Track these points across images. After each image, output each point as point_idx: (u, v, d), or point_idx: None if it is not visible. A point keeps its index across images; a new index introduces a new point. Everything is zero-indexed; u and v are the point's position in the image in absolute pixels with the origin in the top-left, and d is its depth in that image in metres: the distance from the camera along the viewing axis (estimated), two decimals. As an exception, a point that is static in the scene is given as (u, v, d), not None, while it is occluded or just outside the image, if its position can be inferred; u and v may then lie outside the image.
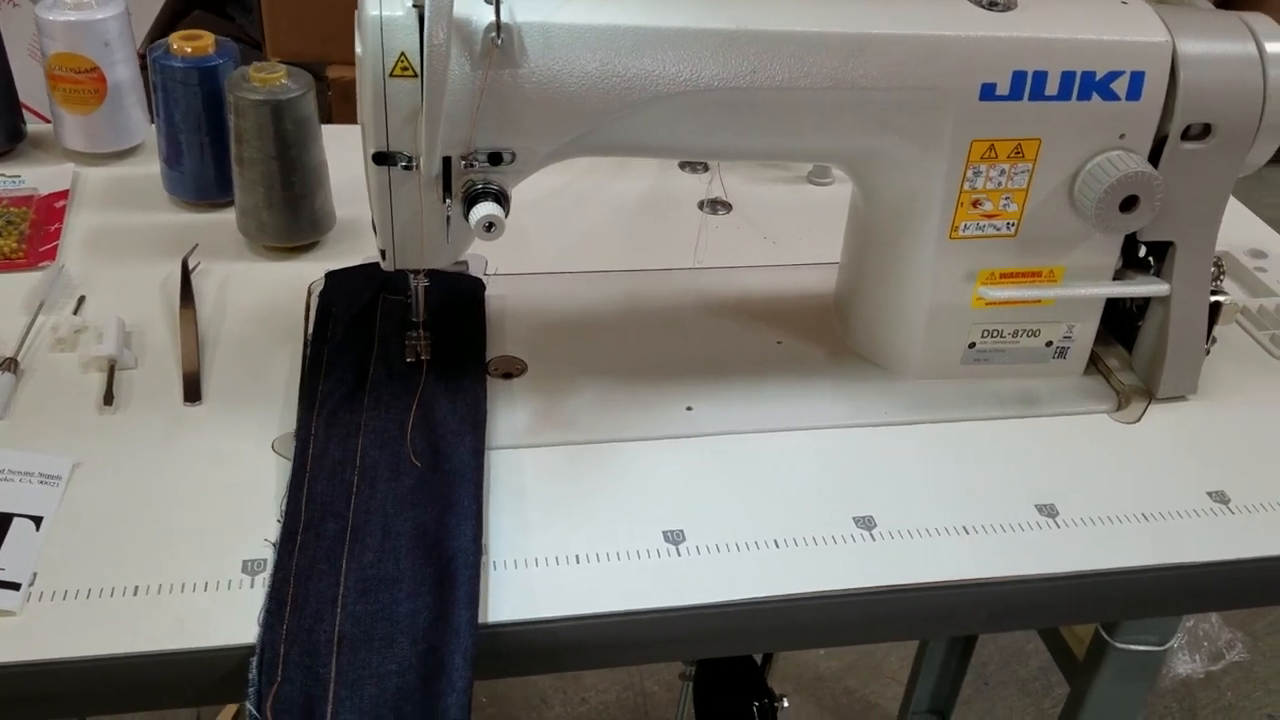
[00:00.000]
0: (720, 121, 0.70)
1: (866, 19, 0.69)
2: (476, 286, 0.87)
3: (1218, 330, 0.90)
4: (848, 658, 1.79)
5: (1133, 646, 1.00)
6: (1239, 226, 1.04)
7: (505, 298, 0.88)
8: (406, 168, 0.67)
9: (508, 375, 0.80)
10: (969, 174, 0.74)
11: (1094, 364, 0.85)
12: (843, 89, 0.69)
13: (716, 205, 1.04)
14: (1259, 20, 0.75)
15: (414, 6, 0.64)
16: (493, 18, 0.64)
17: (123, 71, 0.99)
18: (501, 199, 0.69)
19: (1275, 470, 0.77)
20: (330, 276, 0.86)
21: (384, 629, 0.61)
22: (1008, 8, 0.72)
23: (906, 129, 0.72)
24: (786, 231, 1.00)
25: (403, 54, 0.65)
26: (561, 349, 0.83)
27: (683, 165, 1.10)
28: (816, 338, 0.87)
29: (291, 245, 0.91)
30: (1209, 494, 0.74)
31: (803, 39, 0.68)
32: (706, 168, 1.10)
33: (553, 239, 0.98)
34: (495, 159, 0.69)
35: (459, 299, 0.85)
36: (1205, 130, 0.74)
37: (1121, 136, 0.73)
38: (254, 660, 0.59)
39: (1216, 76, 0.73)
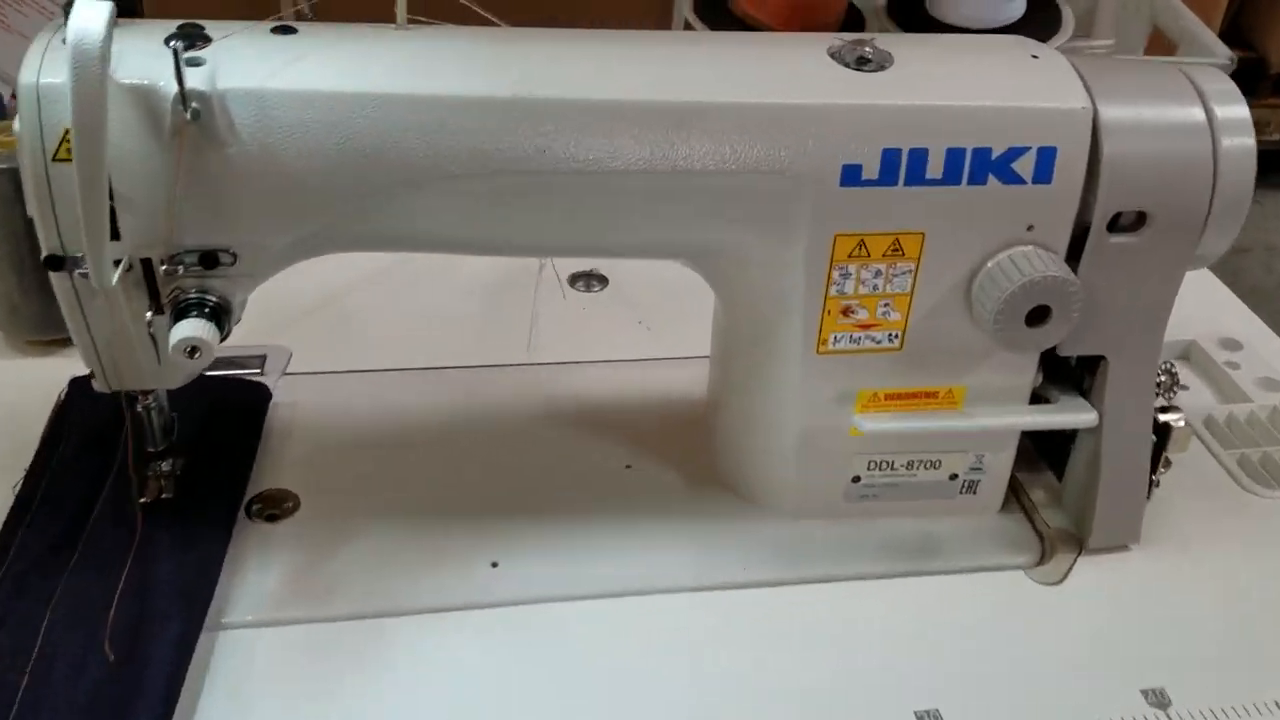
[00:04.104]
0: (503, 213, 0.54)
1: (691, 83, 0.53)
2: (258, 396, 0.71)
3: (1172, 454, 0.73)
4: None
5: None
6: (1210, 306, 0.87)
7: (296, 405, 0.72)
8: (85, 275, 0.52)
9: (271, 517, 0.64)
10: (835, 276, 0.58)
11: (1015, 497, 0.69)
12: (661, 172, 0.53)
13: (591, 280, 0.88)
14: (1208, 76, 0.59)
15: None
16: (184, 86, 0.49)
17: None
18: (218, 312, 0.53)
19: (1232, 657, 0.60)
20: (75, 383, 0.70)
21: None
22: (880, 66, 0.56)
23: (750, 221, 0.56)
24: (666, 314, 0.84)
25: (67, 131, 0.49)
26: (348, 479, 0.68)
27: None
28: (676, 459, 0.71)
29: (53, 339, 0.76)
30: (1143, 693, 0.58)
31: (603, 109, 0.52)
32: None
33: (382, 326, 0.82)
34: (209, 260, 0.53)
35: (231, 412, 0.69)
36: (1139, 220, 0.58)
37: (1029, 229, 0.57)
38: None
39: (1152, 150, 0.57)
